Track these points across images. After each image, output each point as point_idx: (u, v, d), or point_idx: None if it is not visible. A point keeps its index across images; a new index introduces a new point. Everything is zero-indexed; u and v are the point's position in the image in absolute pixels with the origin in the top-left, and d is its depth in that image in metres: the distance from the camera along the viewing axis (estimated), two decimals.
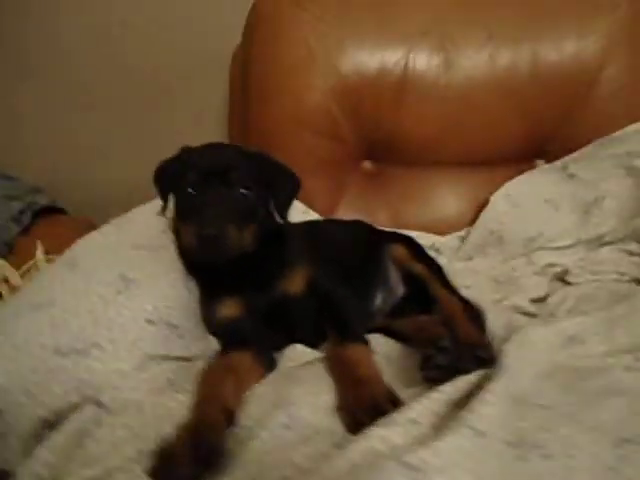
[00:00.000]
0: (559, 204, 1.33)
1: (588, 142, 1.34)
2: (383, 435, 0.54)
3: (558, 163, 1.36)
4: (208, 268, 0.86)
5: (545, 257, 1.28)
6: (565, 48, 1.31)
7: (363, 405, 0.62)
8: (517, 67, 1.33)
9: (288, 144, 1.39)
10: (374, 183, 1.46)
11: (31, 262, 1.20)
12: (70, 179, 1.81)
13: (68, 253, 0.90)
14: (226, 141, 1.75)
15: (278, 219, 0.90)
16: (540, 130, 1.38)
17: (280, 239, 0.90)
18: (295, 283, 0.87)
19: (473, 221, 1.39)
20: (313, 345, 0.86)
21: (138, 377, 0.68)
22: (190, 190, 0.84)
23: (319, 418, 0.64)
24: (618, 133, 1.31)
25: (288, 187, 0.92)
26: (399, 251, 1.04)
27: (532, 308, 1.03)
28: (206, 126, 1.82)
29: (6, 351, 0.69)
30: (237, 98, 1.55)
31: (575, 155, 1.34)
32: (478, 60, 1.34)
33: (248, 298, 0.85)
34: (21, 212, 1.37)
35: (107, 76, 1.80)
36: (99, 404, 0.63)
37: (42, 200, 1.52)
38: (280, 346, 0.85)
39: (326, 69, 1.35)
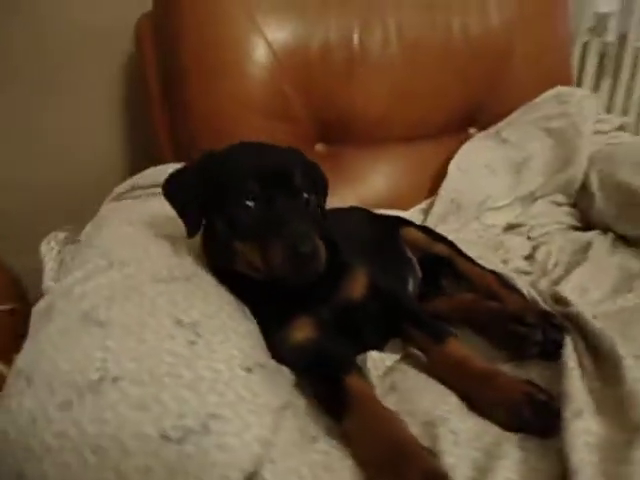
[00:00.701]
0: (496, 167, 1.47)
1: (513, 109, 1.49)
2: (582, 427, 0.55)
3: (492, 130, 1.49)
4: (279, 289, 0.74)
5: (490, 217, 1.42)
6: (487, 21, 1.42)
7: (516, 399, 0.62)
8: (451, 39, 1.40)
9: (236, 128, 1.26)
10: (329, 165, 1.38)
11: None
12: None
13: (73, 305, 0.68)
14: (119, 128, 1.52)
15: None
16: (473, 99, 1.48)
17: (327, 241, 0.82)
18: (356, 287, 0.80)
19: (429, 193, 1.45)
20: (378, 348, 0.82)
21: (283, 441, 0.56)
22: (249, 203, 0.71)
23: (473, 424, 0.62)
24: (537, 100, 1.48)
25: (324, 183, 0.84)
26: (415, 234, 1.03)
27: (528, 267, 1.13)
28: (93, 109, 1.53)
29: (85, 460, 0.51)
30: (153, 76, 1.33)
31: (505, 121, 1.49)
32: (416, 34, 1.37)
33: (317, 313, 0.76)
34: None
35: None
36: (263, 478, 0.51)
37: None
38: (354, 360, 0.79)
39: (272, 44, 1.24)
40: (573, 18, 1.66)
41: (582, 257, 1.15)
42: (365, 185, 1.41)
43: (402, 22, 1.34)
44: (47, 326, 0.67)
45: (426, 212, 1.40)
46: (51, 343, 0.63)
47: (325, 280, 0.77)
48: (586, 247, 1.20)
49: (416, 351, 0.80)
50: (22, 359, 0.64)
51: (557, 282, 1.02)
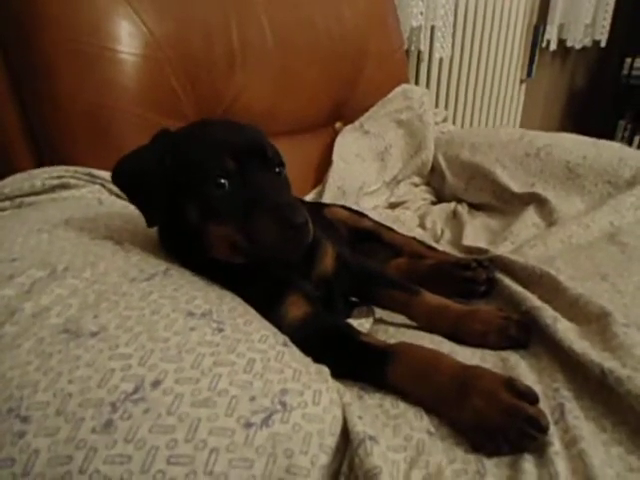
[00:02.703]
0: (365, 156, 1.63)
1: (371, 104, 1.67)
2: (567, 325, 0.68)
3: (357, 123, 1.64)
4: (267, 269, 0.70)
5: (366, 201, 1.57)
6: (345, 24, 1.56)
7: (497, 324, 0.73)
8: (317, 39, 1.50)
9: (117, 122, 1.13)
10: None
11: None
12: None
13: (40, 324, 0.55)
14: None
15: None
16: (338, 95, 1.61)
17: None
18: (328, 261, 0.82)
19: (313, 182, 1.53)
20: (348, 315, 0.86)
21: (351, 400, 0.55)
22: (222, 181, 0.65)
23: (473, 353, 0.71)
24: (389, 95, 1.69)
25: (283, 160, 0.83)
26: (343, 212, 1.09)
27: (424, 234, 1.30)
28: None
29: (170, 474, 0.43)
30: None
31: (366, 115, 1.65)
32: (288, 31, 1.43)
33: (303, 289, 0.75)
34: None
35: None
36: (372, 438, 0.49)
37: None
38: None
39: (153, 34, 1.16)
40: None
41: (457, 221, 1.37)
42: None
43: (274, 19, 1.38)
44: (13, 353, 0.52)
45: (316, 200, 1.47)
46: (33, 369, 0.50)
47: (302, 256, 0.77)
48: (454, 214, 1.44)
49: (382, 313, 0.86)
50: None
51: (455, 241, 1.19)
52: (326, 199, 1.45)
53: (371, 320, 0.84)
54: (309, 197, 1.47)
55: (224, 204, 0.65)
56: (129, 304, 0.58)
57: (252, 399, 0.49)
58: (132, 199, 0.70)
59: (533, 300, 0.77)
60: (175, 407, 0.47)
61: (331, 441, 0.49)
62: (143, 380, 0.48)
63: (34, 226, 0.79)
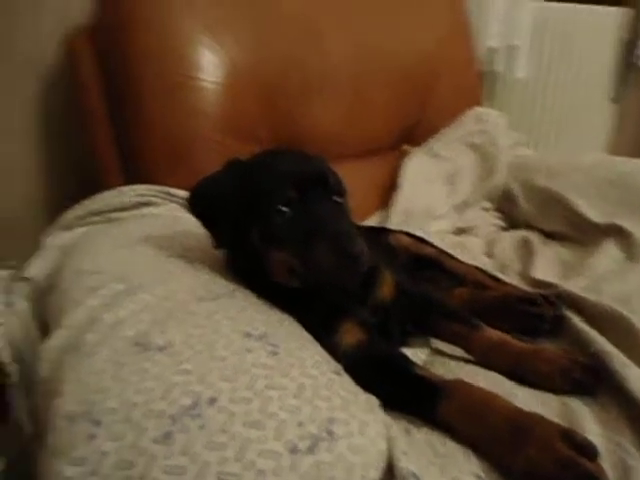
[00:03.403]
0: (433, 180, 1.61)
1: (441, 127, 1.65)
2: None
3: (426, 146, 1.63)
4: (323, 295, 0.73)
5: (433, 225, 1.55)
6: (418, 46, 1.57)
7: (562, 366, 0.70)
8: (389, 62, 1.52)
9: (196, 146, 1.21)
10: None
11: None
12: None
13: (115, 335, 0.60)
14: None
15: None
16: (408, 118, 1.62)
17: None
18: (387, 289, 0.83)
19: (379, 204, 1.54)
20: (404, 345, 0.85)
21: (398, 434, 0.55)
22: (284, 208, 0.69)
23: (534, 394, 0.68)
24: (461, 118, 1.66)
25: (345, 190, 0.86)
26: (405, 239, 1.09)
27: (491, 262, 1.26)
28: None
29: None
30: (93, 97, 1.23)
31: (436, 137, 1.64)
32: (361, 58, 1.47)
33: (359, 316, 0.77)
34: None
35: None
36: (415, 476, 0.49)
37: None
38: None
39: (234, 63, 1.23)
40: None
41: (527, 250, 1.31)
42: None
43: (345, 47, 1.42)
44: (90, 361, 0.58)
45: (381, 223, 1.47)
46: (108, 377, 0.55)
47: (360, 283, 0.78)
48: (525, 242, 1.38)
49: (440, 345, 0.84)
50: (68, 401, 0.55)
51: (523, 272, 1.15)
52: (392, 222, 1.45)
53: (427, 351, 0.83)
54: (373, 220, 1.48)
55: (284, 230, 0.69)
56: (194, 322, 0.63)
57: (300, 425, 0.51)
58: (204, 221, 0.75)
59: (603, 343, 0.72)
60: (228, 426, 0.49)
61: (374, 474, 0.50)
62: (200, 397, 0.52)
63: (117, 242, 0.87)
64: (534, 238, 1.41)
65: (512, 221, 1.62)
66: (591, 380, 0.68)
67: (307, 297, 0.73)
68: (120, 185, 1.19)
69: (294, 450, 0.49)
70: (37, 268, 0.97)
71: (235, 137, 1.24)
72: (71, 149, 1.37)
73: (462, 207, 1.63)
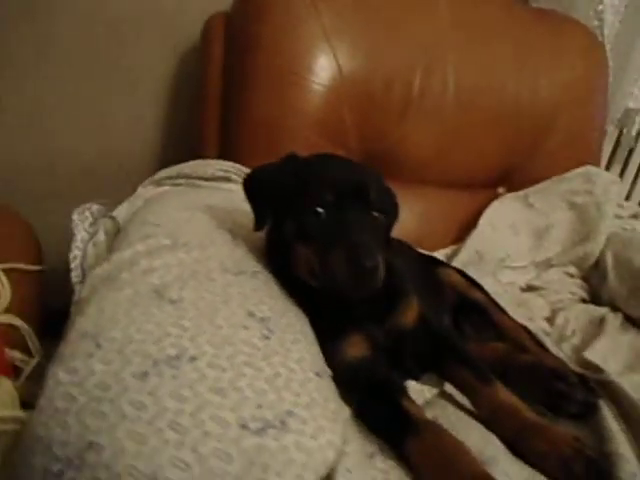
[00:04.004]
0: (519, 229, 1.52)
1: (543, 177, 1.56)
2: None
3: (522, 193, 1.55)
4: (339, 301, 0.74)
5: (506, 275, 1.46)
6: (538, 91, 1.50)
7: (566, 452, 0.64)
8: (502, 102, 1.47)
9: (289, 140, 1.28)
10: None
11: None
12: None
13: (144, 280, 0.68)
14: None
15: None
16: (510, 161, 1.55)
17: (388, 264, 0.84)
18: (409, 315, 0.82)
19: (453, 240, 1.50)
20: (416, 379, 0.83)
21: (352, 452, 0.56)
22: (320, 209, 0.72)
23: (521, 469, 0.63)
24: (567, 174, 1.56)
25: (396, 210, 0.86)
26: (455, 276, 1.06)
27: (548, 329, 1.17)
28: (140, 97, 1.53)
29: (163, 433, 0.49)
30: (215, 74, 1.35)
31: (535, 187, 1.55)
32: (472, 90, 1.44)
33: (370, 333, 0.77)
34: None
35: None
36: None
37: None
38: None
39: (341, 67, 1.28)
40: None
41: (598, 329, 1.19)
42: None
43: (462, 76, 1.41)
44: (115, 294, 0.66)
45: (449, 257, 1.43)
46: (122, 311, 0.62)
47: (381, 302, 0.78)
48: (600, 321, 1.25)
49: (453, 389, 0.81)
50: (87, 321, 0.62)
51: (579, 348, 1.05)
52: (460, 259, 1.41)
53: (434, 391, 0.80)
54: (443, 252, 1.45)
55: (313, 230, 0.72)
56: (209, 288, 0.68)
57: (259, 407, 0.53)
58: (251, 202, 0.80)
59: (622, 445, 0.65)
60: (196, 385, 0.54)
61: (311, 478, 0.50)
62: (185, 352, 0.57)
63: (184, 204, 0.96)
64: (613, 320, 1.28)
65: (596, 296, 1.48)
66: (591, 478, 0.61)
67: (324, 299, 0.75)
68: (212, 157, 1.30)
69: (244, 426, 0.51)
70: (122, 210, 1.10)
71: (324, 137, 1.29)
72: (184, 117, 1.52)
73: (544, 265, 1.52)
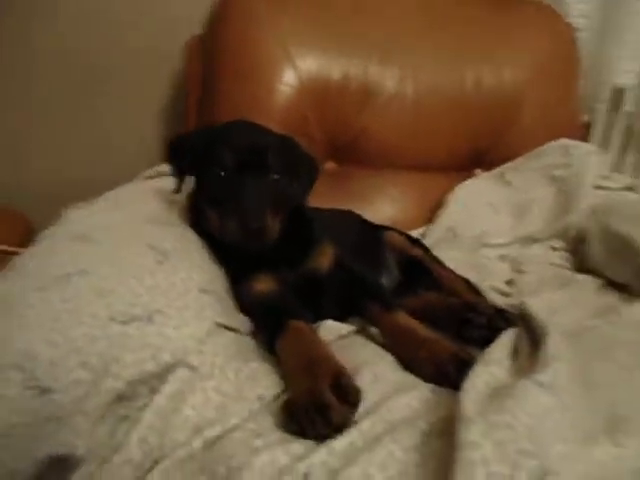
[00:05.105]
0: (498, 207, 1.53)
1: (517, 155, 1.57)
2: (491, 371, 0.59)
3: (496, 171, 1.56)
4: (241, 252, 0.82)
5: (491, 252, 1.46)
6: (501, 73, 1.54)
7: (442, 357, 0.66)
8: (464, 86, 1.52)
9: None
10: (337, 183, 1.51)
11: None
12: None
13: (69, 227, 0.79)
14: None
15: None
16: (480, 142, 1.58)
17: (303, 220, 0.91)
18: (323, 260, 0.88)
19: (426, 221, 1.52)
20: (338, 321, 0.88)
21: (214, 342, 0.63)
22: (222, 172, 0.81)
23: (400, 375, 0.66)
24: (542, 147, 1.55)
25: (311, 172, 0.93)
26: (396, 237, 1.10)
27: (507, 289, 1.17)
28: (144, 121, 1.72)
29: (45, 323, 0.59)
30: (195, 89, 1.51)
31: (510, 165, 1.56)
32: (431, 77, 1.50)
33: (280, 274, 0.83)
34: None
35: (43, 74, 1.62)
36: (191, 367, 0.57)
37: None
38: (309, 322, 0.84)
39: (298, 69, 1.40)
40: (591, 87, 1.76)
41: (562, 288, 1.17)
42: (371, 205, 1.49)
43: (417, 64, 1.48)
44: (40, 242, 0.78)
45: (422, 236, 1.46)
46: (43, 250, 0.74)
47: (291, 249, 0.85)
48: (569, 282, 1.23)
49: (373, 329, 0.85)
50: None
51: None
52: (431, 238, 1.44)
53: (351, 328, 0.84)
54: (416, 232, 1.47)
55: (215, 192, 0.82)
56: (126, 232, 0.79)
57: (131, 305, 0.62)
58: (171, 165, 0.91)
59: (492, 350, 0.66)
60: (81, 290, 0.63)
61: (166, 358, 0.58)
62: (80, 270, 0.67)
63: (146, 185, 1.09)
64: (587, 284, 1.24)
65: (583, 268, 1.43)
66: (460, 377, 0.63)
67: (235, 250, 0.83)
68: None
69: (112, 319, 0.61)
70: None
71: (287, 131, 1.39)
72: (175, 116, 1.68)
73: (527, 241, 1.51)
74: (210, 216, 0.83)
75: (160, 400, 0.53)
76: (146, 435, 0.50)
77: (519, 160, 1.56)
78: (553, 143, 1.55)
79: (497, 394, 0.53)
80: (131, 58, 1.63)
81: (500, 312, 0.83)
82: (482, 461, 0.42)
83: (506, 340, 0.71)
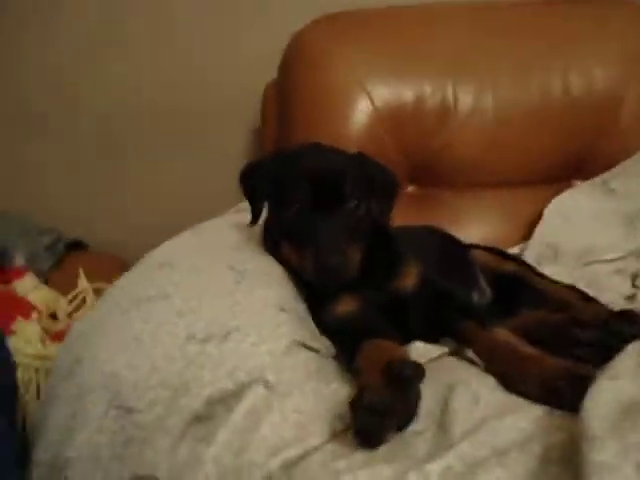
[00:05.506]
0: (604, 218, 1.36)
1: (619, 160, 1.40)
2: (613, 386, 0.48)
3: (598, 180, 1.41)
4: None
5: (603, 268, 1.29)
6: (591, 74, 1.41)
7: (548, 372, 0.57)
8: (550, 92, 1.41)
9: None
10: (420, 208, 1.45)
11: (76, 291, 1.09)
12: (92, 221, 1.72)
13: (154, 257, 0.82)
14: None
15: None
16: (574, 150, 1.43)
17: (385, 238, 0.86)
18: (408, 279, 0.82)
19: (520, 240, 1.40)
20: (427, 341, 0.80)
21: (293, 360, 0.59)
22: (297, 205, 0.78)
23: (503, 395, 0.58)
24: None
25: (391, 188, 0.89)
26: (485, 255, 1.02)
27: (628, 305, 1.01)
28: (232, 165, 1.80)
29: (127, 344, 0.60)
30: (271, 132, 1.56)
31: (613, 171, 1.40)
32: (513, 88, 1.42)
33: (364, 295, 0.79)
34: (54, 243, 1.28)
35: (127, 120, 1.79)
36: (267, 384, 0.54)
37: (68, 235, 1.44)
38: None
39: (371, 95, 1.40)
40: None
41: None
42: (458, 227, 1.40)
43: (495, 76, 1.41)
44: (128, 272, 0.81)
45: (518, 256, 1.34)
46: (128, 278, 0.77)
47: (376, 269, 0.81)
48: None
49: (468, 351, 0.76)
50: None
51: None
52: (529, 257, 1.31)
53: (443, 350, 0.77)
54: (510, 251, 1.36)
55: (291, 229, 0.79)
56: (207, 256, 0.80)
57: (209, 324, 0.62)
58: (247, 198, 0.89)
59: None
60: (162, 311, 0.64)
61: (242, 377, 0.55)
62: (163, 293, 0.68)
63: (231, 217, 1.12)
64: None
65: None
66: (575, 396, 0.53)
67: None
68: None
69: (191, 337, 0.60)
70: None
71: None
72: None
73: None
74: (286, 250, 0.81)
75: (236, 418, 0.50)
76: (221, 454, 0.47)
77: (624, 164, 1.40)
78: None
79: (631, 411, 0.43)
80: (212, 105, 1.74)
81: (622, 315, 0.71)
82: None
83: (635, 350, 0.59)
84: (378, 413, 0.47)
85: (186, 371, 0.56)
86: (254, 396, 0.52)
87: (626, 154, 1.40)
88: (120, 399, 0.55)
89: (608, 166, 1.41)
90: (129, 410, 0.54)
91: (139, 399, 0.54)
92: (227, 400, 0.53)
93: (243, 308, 0.65)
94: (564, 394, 0.54)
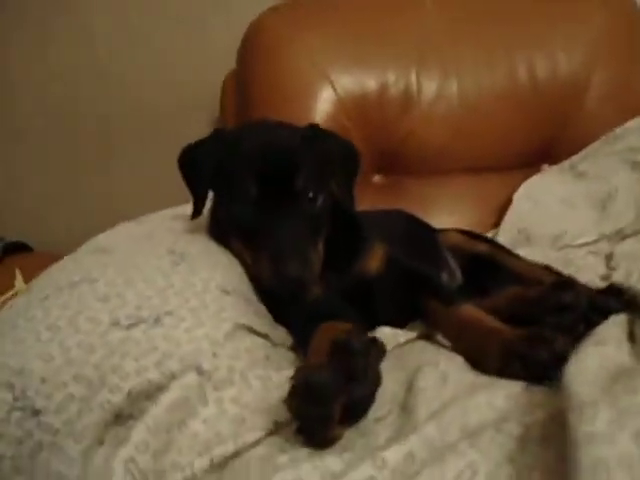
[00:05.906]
0: (575, 202, 1.33)
1: (587, 143, 1.38)
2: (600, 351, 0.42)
3: (566, 163, 1.38)
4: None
5: (576, 252, 1.25)
6: (557, 58, 1.39)
7: (509, 340, 0.51)
8: (516, 77, 1.38)
9: None
10: (387, 197, 1.40)
11: (11, 292, 0.99)
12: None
13: (90, 244, 0.73)
14: None
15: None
16: (542, 134, 1.41)
17: (350, 222, 0.79)
18: (373, 261, 0.75)
19: (492, 226, 1.35)
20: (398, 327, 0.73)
21: (235, 346, 0.51)
22: (246, 203, 0.68)
23: (475, 374, 0.51)
24: (619, 130, 1.36)
25: (351, 163, 0.81)
26: (456, 236, 0.96)
27: (601, 284, 0.96)
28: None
29: (38, 334, 0.50)
30: (231, 124, 1.49)
31: (581, 154, 1.37)
32: (478, 73, 1.38)
33: (327, 279, 0.71)
34: None
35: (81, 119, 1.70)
36: (200, 371, 0.46)
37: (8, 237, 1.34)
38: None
39: (333, 84, 1.34)
40: None
41: None
42: (426, 215, 1.35)
43: (459, 61, 1.37)
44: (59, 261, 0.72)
45: None
46: (57, 265, 0.68)
47: (339, 253, 0.73)
48: None
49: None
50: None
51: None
52: (501, 242, 1.26)
53: (410, 335, 0.70)
54: None
55: (241, 225, 0.69)
56: (145, 238, 0.71)
57: (137, 308, 0.53)
58: (187, 183, 0.77)
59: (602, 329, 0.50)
60: (84, 296, 0.55)
61: (174, 366, 0.47)
62: (88, 277, 0.59)
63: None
64: None
65: None
66: (538, 361, 0.47)
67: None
68: None
69: (115, 323, 0.51)
70: None
71: None
72: None
73: (616, 237, 1.29)
74: (236, 246, 0.72)
75: (156, 413, 0.41)
76: (135, 458, 0.38)
77: (591, 147, 1.37)
78: (630, 124, 1.36)
79: (620, 376, 0.37)
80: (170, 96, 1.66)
81: (608, 290, 0.65)
82: (619, 460, 0.26)
83: (620, 320, 0.54)
84: (317, 398, 0.39)
85: (105, 361, 0.47)
86: (181, 387, 0.44)
87: (593, 137, 1.37)
88: (25, 399, 0.45)
89: (576, 150, 1.38)
90: (35, 412, 0.45)
91: (48, 398, 0.45)
92: (154, 394, 0.44)
93: (178, 291, 0.56)
94: (525, 358, 0.47)
